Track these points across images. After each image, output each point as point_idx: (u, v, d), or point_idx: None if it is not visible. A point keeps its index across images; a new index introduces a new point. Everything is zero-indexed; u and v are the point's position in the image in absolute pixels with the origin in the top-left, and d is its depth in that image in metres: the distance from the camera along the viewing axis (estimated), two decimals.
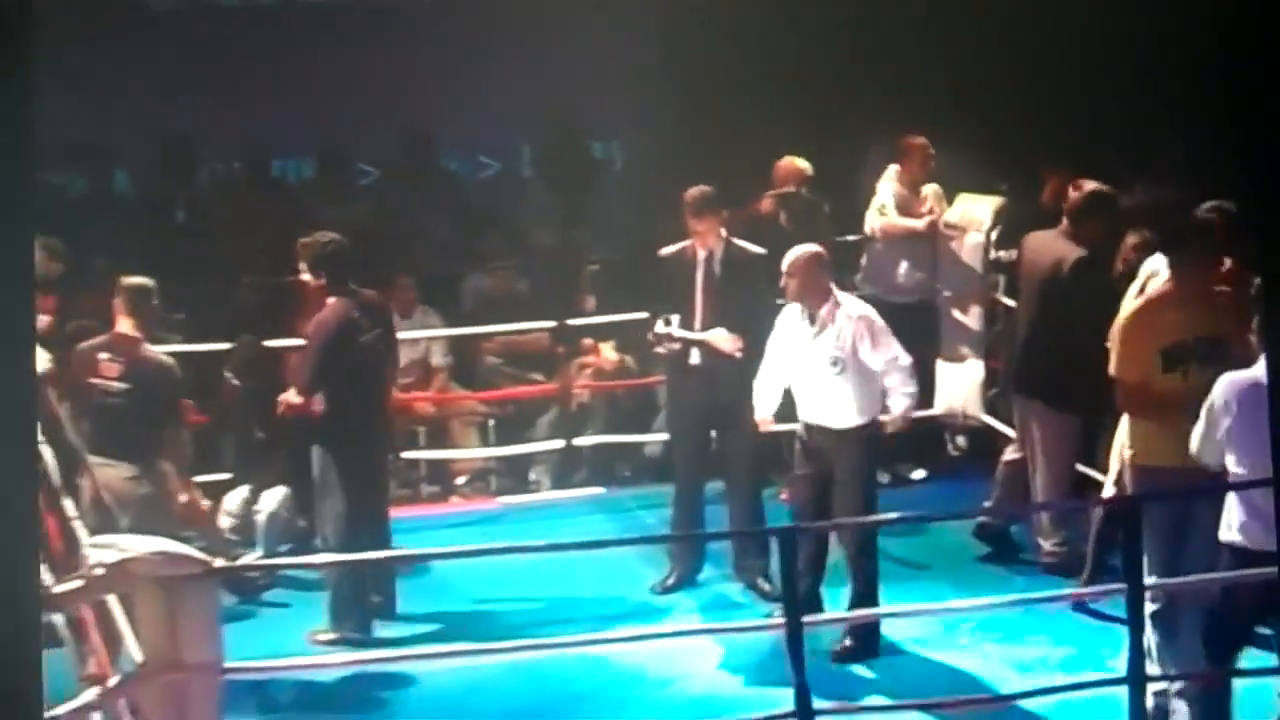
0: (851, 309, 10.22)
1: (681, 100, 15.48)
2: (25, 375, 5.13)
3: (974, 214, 12.47)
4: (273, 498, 11.37)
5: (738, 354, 10.80)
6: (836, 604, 10.08)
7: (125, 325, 10.40)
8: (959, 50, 14.36)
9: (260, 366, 11.60)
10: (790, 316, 10.33)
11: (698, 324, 10.92)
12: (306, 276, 10.67)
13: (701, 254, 11.00)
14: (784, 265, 10.24)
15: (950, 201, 12.61)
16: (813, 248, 10.31)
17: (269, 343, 11.76)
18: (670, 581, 11.07)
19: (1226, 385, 8.29)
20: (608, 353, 13.17)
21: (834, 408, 10.18)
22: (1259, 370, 7.91)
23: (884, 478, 12.04)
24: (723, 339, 10.82)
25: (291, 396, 10.56)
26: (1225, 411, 8.25)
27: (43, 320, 10.59)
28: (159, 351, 10.57)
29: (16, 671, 5.02)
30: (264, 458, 11.33)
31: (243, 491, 11.24)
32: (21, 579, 5.03)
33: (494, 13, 15.24)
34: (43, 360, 10.31)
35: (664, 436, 12.29)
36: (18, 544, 5.02)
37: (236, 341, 11.64)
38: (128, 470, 10.11)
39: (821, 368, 10.14)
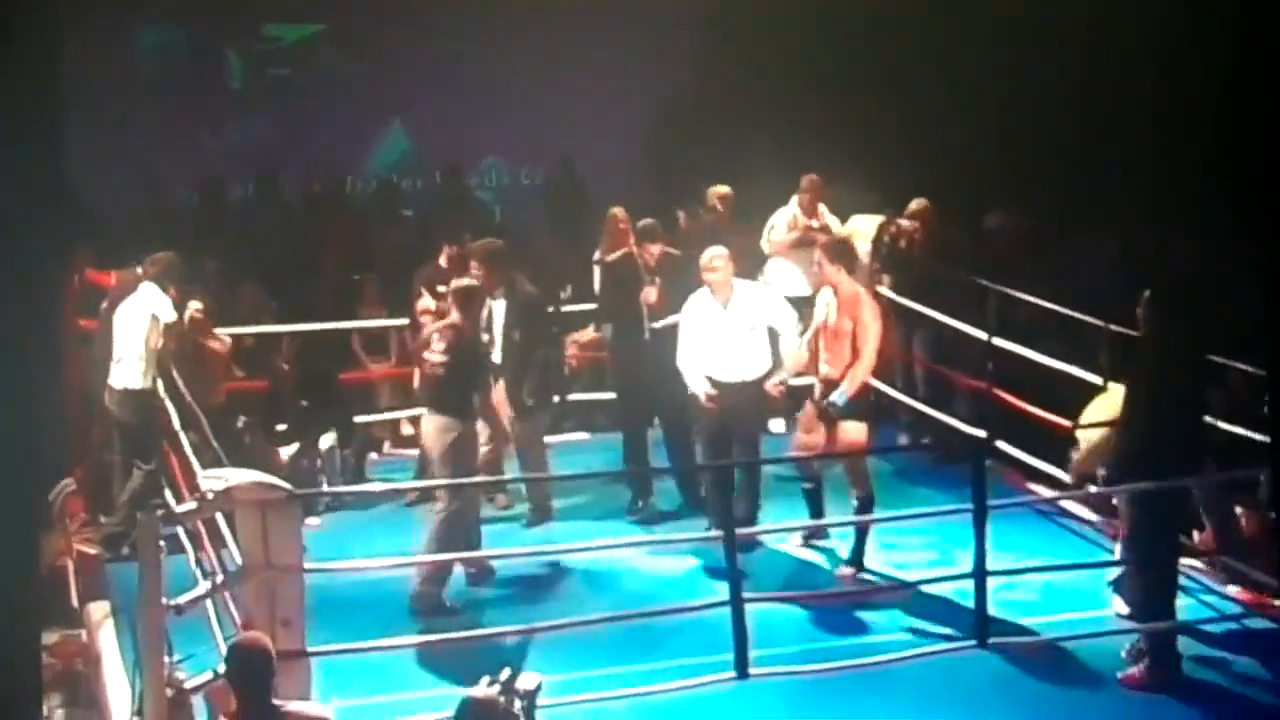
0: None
1: (644, 142, 15.63)
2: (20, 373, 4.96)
3: (862, 228, 12.56)
4: (327, 440, 11.48)
5: None
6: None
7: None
8: (857, 104, 14.45)
9: (305, 357, 11.72)
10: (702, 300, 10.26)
11: (646, 313, 10.99)
12: (476, 272, 10.56)
13: (646, 262, 11.11)
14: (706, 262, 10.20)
15: (845, 219, 12.71)
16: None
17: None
18: (639, 506, 11.00)
19: None
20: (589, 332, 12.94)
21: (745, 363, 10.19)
22: None
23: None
24: None
25: None
26: None
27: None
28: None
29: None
30: (310, 418, 11.41)
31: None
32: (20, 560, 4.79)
33: (511, 77, 15.41)
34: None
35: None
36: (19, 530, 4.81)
37: (288, 340, 11.73)
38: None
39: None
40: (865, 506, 9.85)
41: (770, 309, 10.24)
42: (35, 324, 4.89)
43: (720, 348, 10.15)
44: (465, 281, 10.12)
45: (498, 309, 10.52)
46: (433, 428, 9.81)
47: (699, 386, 10.16)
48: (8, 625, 4.78)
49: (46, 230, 4.97)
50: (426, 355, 9.95)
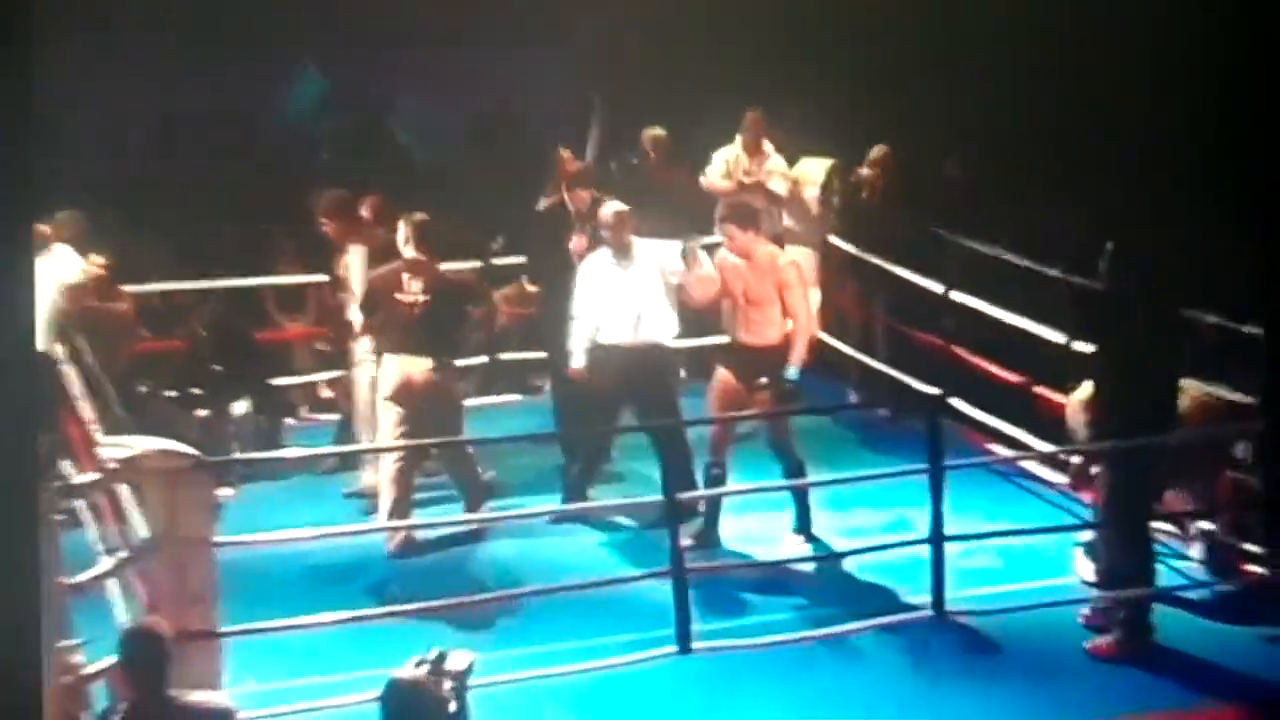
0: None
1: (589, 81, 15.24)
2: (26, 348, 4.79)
3: (810, 172, 12.36)
4: (240, 406, 11.20)
5: None
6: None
7: None
8: (808, 44, 14.04)
9: (219, 322, 11.51)
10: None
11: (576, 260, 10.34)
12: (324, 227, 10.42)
13: (577, 209, 10.57)
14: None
15: (794, 162, 12.37)
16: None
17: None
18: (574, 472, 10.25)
19: None
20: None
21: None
22: None
23: None
24: None
25: None
26: None
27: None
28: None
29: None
30: (223, 382, 11.17)
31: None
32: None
33: (434, 10, 14.93)
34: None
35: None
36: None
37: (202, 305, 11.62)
38: None
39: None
40: (796, 474, 9.44)
41: (673, 265, 9.72)
42: None
43: (620, 308, 9.70)
44: (417, 215, 9.71)
45: (354, 260, 10.05)
46: (418, 369, 9.44)
47: (576, 356, 9.74)
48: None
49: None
50: (401, 296, 9.51)
